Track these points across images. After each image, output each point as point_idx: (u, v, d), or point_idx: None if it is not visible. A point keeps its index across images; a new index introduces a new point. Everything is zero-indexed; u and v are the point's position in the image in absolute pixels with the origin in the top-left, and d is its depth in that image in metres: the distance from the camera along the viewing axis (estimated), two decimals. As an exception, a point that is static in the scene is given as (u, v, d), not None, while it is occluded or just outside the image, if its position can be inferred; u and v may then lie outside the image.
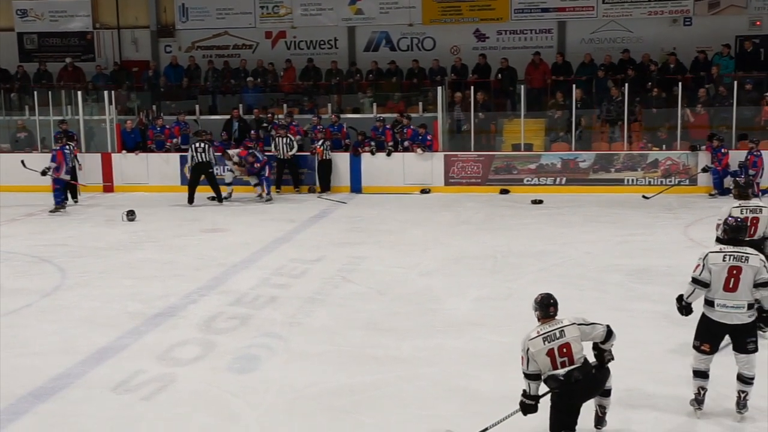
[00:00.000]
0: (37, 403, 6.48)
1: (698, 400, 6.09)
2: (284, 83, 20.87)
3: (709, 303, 5.97)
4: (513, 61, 19.70)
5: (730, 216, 6.68)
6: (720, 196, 16.24)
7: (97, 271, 10.93)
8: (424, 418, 6.12)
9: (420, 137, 17.79)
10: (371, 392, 6.64)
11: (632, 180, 17.14)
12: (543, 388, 5.40)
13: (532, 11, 20.88)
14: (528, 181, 17.54)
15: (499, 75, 19.59)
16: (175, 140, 18.72)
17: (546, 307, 5.51)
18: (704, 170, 16.66)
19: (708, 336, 6.02)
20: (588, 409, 5.60)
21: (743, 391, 5.94)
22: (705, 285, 5.95)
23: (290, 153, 17.57)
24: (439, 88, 18.21)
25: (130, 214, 14.57)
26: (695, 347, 6.09)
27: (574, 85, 17.67)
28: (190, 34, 22.40)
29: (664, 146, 17.52)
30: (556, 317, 5.47)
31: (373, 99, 19.73)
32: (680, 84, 17.33)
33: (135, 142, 18.94)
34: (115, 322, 8.58)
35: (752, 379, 5.93)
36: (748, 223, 7.81)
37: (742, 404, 5.95)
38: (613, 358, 5.53)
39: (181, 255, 11.73)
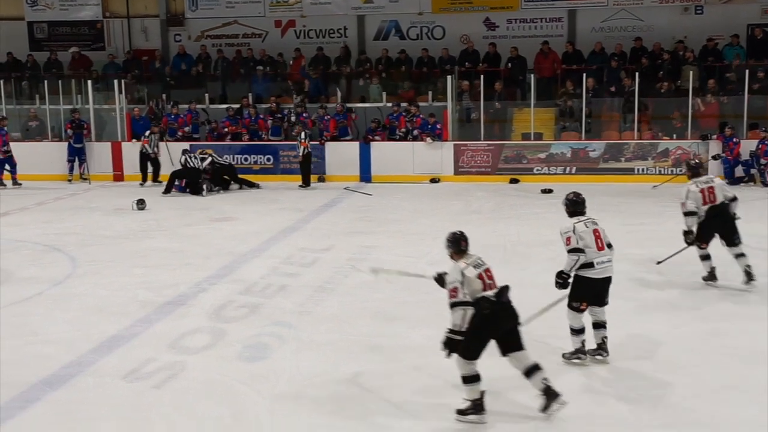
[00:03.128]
0: (49, 391, 6.53)
1: (583, 351, 6.90)
2: (293, 72, 20.86)
3: (588, 265, 6.71)
4: (523, 50, 19.64)
5: (571, 193, 7.25)
6: (731, 186, 16.18)
7: (107, 259, 10.97)
8: (433, 407, 6.14)
9: (429, 126, 17.78)
10: (380, 381, 6.66)
11: (642, 169, 17.10)
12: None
13: (543, 0, 20.79)
14: (538, 170, 17.52)
15: (509, 64, 19.53)
16: (187, 129, 18.80)
17: (458, 242, 6.14)
18: (714, 158, 16.59)
19: (590, 295, 6.79)
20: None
21: (605, 336, 6.90)
22: (582, 251, 6.66)
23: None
24: (449, 77, 18.19)
25: (140, 203, 14.62)
26: (575, 308, 6.81)
27: (584, 74, 17.62)
28: (199, 23, 22.39)
29: (674, 135, 17.47)
30: (468, 251, 6.10)
31: (382, 88, 19.71)
32: (691, 73, 17.27)
33: (144, 129, 18.98)
34: (125, 310, 8.62)
35: (606, 323, 6.94)
36: (707, 194, 9.08)
37: (606, 347, 6.90)
38: None
39: (191, 244, 11.76)
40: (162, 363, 7.07)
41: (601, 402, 6.23)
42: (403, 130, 18.04)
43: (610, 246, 6.84)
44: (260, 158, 18.40)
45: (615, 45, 19.44)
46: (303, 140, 17.08)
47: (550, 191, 15.91)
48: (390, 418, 6.00)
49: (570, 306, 6.85)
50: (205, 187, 16.46)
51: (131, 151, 18.62)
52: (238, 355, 7.28)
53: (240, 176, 17.38)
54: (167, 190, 16.53)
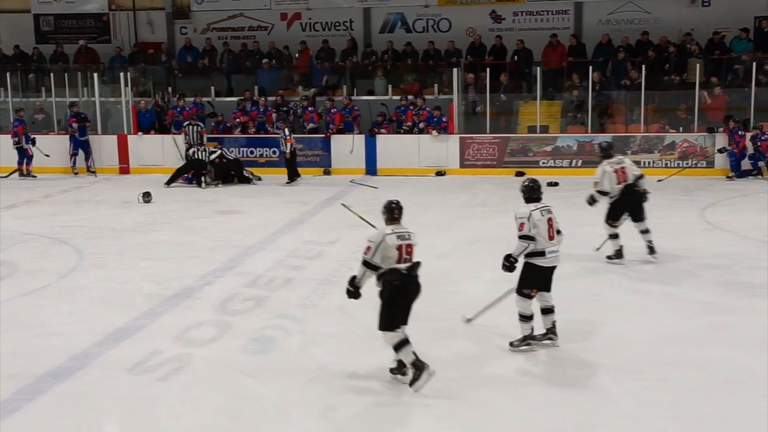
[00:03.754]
0: (56, 383, 6.54)
1: (533, 337, 7.03)
2: (299, 65, 20.85)
3: (539, 254, 6.88)
4: (529, 43, 19.59)
5: (527, 179, 7.32)
6: (738, 179, 16.15)
7: (113, 252, 10.99)
8: (438, 399, 6.13)
9: (435, 119, 17.76)
10: (385, 373, 6.65)
11: (649, 162, 17.06)
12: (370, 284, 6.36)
13: (550, -9, 20.75)
14: (544, 163, 17.50)
15: (515, 57, 19.49)
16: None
17: (392, 210, 6.51)
18: (720, 151, 16.55)
19: (540, 282, 6.95)
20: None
21: (555, 320, 7.11)
22: (533, 239, 6.82)
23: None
24: (455, 70, 18.18)
25: (146, 196, 14.64)
26: (525, 295, 6.96)
27: (590, 67, 17.57)
28: (205, 16, 22.39)
29: (681, 128, 17.42)
30: (401, 221, 6.46)
31: (387, 81, 19.69)
32: (697, 66, 17.22)
33: (150, 122, 19.02)
34: (131, 303, 8.64)
35: (554, 307, 7.13)
36: (620, 173, 9.82)
37: (555, 330, 7.10)
38: None
39: (197, 236, 11.78)
40: (168, 355, 7.08)
41: (605, 399, 6.22)
42: (410, 123, 18.02)
43: (559, 232, 7.05)
44: (266, 151, 18.41)
45: (621, 38, 19.38)
46: (288, 137, 16.73)
47: (556, 184, 15.88)
48: (396, 409, 6.00)
49: (520, 293, 7.00)
50: (203, 179, 16.48)
51: (137, 143, 18.65)
52: (243, 348, 7.29)
53: (246, 169, 17.37)
54: (170, 182, 16.58)
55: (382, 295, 6.28)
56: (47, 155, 18.07)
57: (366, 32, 21.76)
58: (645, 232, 10.02)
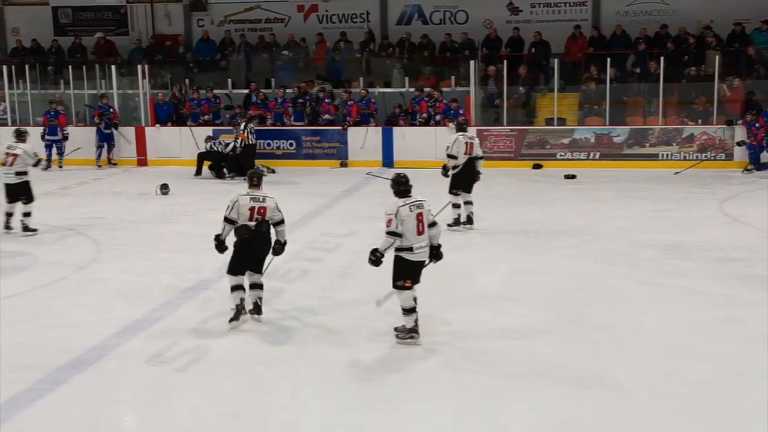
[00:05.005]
0: (74, 374, 6.60)
1: (416, 331, 7.12)
2: (316, 57, 20.86)
3: (407, 249, 7.00)
4: (546, 35, 19.52)
5: (396, 174, 7.44)
6: (756, 171, 16.05)
7: (131, 244, 11.06)
8: (452, 392, 6.15)
9: (452, 112, 17.72)
10: (401, 364, 6.68)
11: (667, 155, 16.97)
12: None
13: (568, -17, 20.64)
14: (561, 155, 17.44)
15: (533, 49, 19.42)
16: (206, 117, 18.84)
17: (251, 177, 7.80)
18: (739, 144, 16.45)
19: (410, 273, 7.05)
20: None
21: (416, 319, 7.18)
22: (400, 236, 6.93)
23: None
24: (472, 62, 18.13)
25: (164, 188, 14.72)
26: (400, 287, 7.04)
27: (608, 59, 17.49)
28: (222, 8, 22.43)
29: (699, 120, 17.32)
30: (261, 188, 7.73)
31: (404, 73, 19.67)
32: (716, 58, 17.10)
33: (168, 114, 19.09)
34: (149, 294, 8.70)
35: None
36: (468, 146, 11.37)
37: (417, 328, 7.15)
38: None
39: (214, 228, 11.76)
40: (185, 347, 7.12)
41: (619, 392, 6.22)
42: (425, 115, 18.00)
43: (433, 225, 7.13)
44: (283, 143, 18.44)
45: (639, 29, 19.27)
46: (241, 131, 16.51)
47: (573, 177, 15.86)
48: (413, 403, 6.01)
49: (395, 286, 7.09)
50: (225, 171, 16.60)
51: (155, 136, 18.74)
52: (260, 340, 7.33)
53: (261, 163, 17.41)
54: (198, 172, 16.70)
55: (235, 245, 7.66)
56: (78, 148, 18.17)
57: (383, 24, 21.74)
58: (468, 203, 11.57)
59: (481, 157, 11.64)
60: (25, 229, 11.58)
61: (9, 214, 11.63)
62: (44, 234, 11.73)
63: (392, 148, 17.91)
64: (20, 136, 11.88)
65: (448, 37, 20.22)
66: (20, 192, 11.52)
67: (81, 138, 18.61)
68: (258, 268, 7.76)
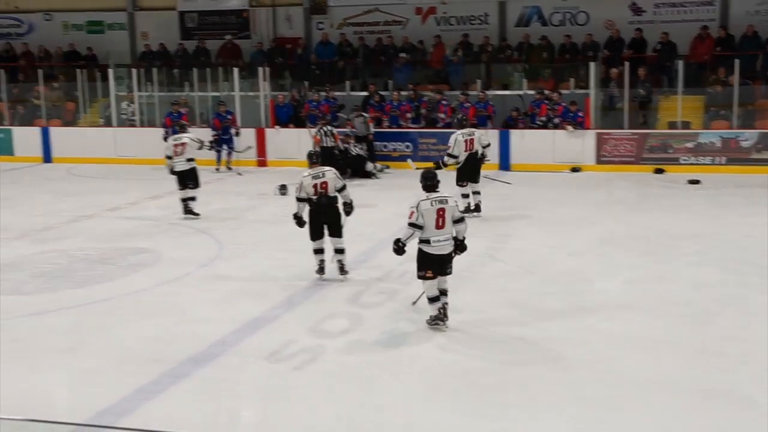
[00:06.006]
0: (196, 369, 6.78)
1: (440, 318, 7.52)
2: (433, 59, 20.86)
3: (425, 241, 7.43)
4: (671, 35, 18.96)
5: (425, 170, 7.96)
6: None
7: (251, 243, 11.31)
8: (570, 400, 6.03)
9: (571, 114, 17.43)
10: (518, 372, 6.60)
11: (798, 160, 16.24)
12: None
13: (694, -18, 19.98)
14: (685, 160, 16.90)
15: (657, 49, 18.88)
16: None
17: (309, 157, 9.34)
18: None
19: (429, 264, 7.45)
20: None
21: (447, 303, 7.59)
22: (420, 227, 7.40)
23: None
24: (592, 64, 17.78)
25: (282, 189, 14.96)
26: (422, 277, 7.50)
27: (737, 61, 16.85)
28: (341, 11, 22.68)
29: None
30: (318, 164, 9.19)
31: (523, 75, 19.47)
32: None
33: (287, 116, 19.42)
34: (267, 292, 8.86)
35: (447, 291, 7.65)
36: (468, 143, 12.24)
37: (443, 315, 7.54)
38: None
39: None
40: (302, 346, 7.22)
41: (749, 408, 5.96)
42: (544, 117, 17.76)
43: (460, 221, 7.56)
44: (399, 145, 18.51)
45: (771, 29, 18.51)
46: (315, 134, 16.76)
47: (697, 182, 15.35)
48: (528, 412, 5.93)
49: (419, 276, 7.54)
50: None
51: (275, 137, 19.07)
52: (375, 341, 7.37)
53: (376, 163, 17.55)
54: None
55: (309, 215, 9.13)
56: (249, 147, 18.45)
57: (501, 26, 21.55)
58: (476, 193, 12.52)
59: (486, 147, 12.56)
60: (189, 212, 12.95)
61: (184, 200, 13.03)
62: (168, 231, 12.12)
63: (509, 150, 17.73)
64: (182, 128, 13.75)
65: (567, 39, 19.89)
66: (189, 177, 12.96)
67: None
68: (336, 233, 9.15)
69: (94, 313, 8.37)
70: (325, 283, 9.16)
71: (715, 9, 19.96)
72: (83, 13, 24.58)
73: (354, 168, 17.22)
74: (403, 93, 19.20)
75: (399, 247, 7.61)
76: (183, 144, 12.96)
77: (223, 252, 10.85)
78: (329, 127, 16.99)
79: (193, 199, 13.08)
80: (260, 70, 19.66)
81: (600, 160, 17.30)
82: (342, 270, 9.26)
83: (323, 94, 19.42)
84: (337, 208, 9.15)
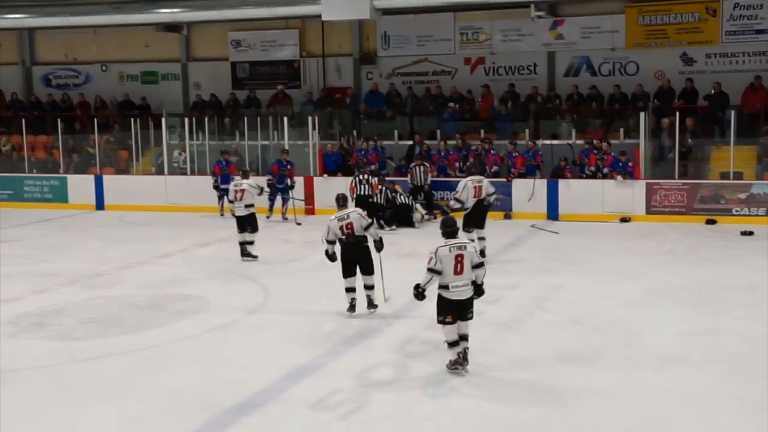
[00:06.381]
0: (240, 416, 6.78)
1: (459, 363, 7.60)
2: (482, 108, 20.91)
3: (444, 287, 7.58)
4: (724, 86, 18.79)
5: (445, 217, 8.49)
6: None
7: (297, 290, 11.35)
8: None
9: (620, 164, 17.30)
10: (565, 423, 6.49)
11: None
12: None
13: (746, 33, 19.77)
14: (737, 211, 16.63)
15: (710, 95, 18.70)
16: (373, 167, 19.07)
17: (337, 200, 10.20)
18: None
19: (449, 309, 7.56)
20: None
21: (467, 347, 7.66)
22: (439, 273, 7.54)
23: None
24: (642, 114, 17.65)
25: (330, 236, 15.00)
26: (441, 322, 7.61)
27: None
28: (390, 61, 22.88)
29: None
30: (346, 207, 10.11)
31: (572, 125, 19.41)
32: None
33: (336, 164, 19.56)
34: (313, 340, 8.88)
35: (468, 336, 7.72)
36: (477, 190, 12.61)
37: (462, 359, 7.62)
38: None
39: (378, 278, 11.92)
40: (347, 394, 7.19)
41: None
42: (593, 167, 17.65)
43: (479, 266, 7.69)
44: (447, 194, 18.48)
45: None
46: (375, 182, 17.12)
47: (750, 233, 15.07)
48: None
49: (438, 321, 7.66)
50: (381, 222, 16.74)
51: (323, 185, 19.18)
52: (421, 391, 7.31)
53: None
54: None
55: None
56: (302, 200, 18.78)
57: (550, 75, 21.55)
58: (482, 239, 12.79)
59: (492, 194, 13.00)
60: (247, 255, 13.42)
61: (242, 244, 13.46)
62: (216, 278, 12.21)
63: (557, 200, 17.62)
64: (245, 175, 14.11)
65: (617, 89, 19.82)
66: (247, 222, 13.45)
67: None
68: (367, 270, 9.76)
69: (142, 359, 8.44)
70: (372, 332, 9.15)
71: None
72: (139, 64, 25.19)
73: (401, 217, 17.24)
74: (450, 142, 19.25)
75: (419, 293, 7.80)
76: (242, 191, 13.43)
77: (270, 299, 10.89)
78: (366, 176, 17.12)
79: (251, 243, 13.49)
80: (309, 118, 19.87)
81: (650, 210, 17.10)
82: (370, 304, 9.74)
83: (372, 143, 19.54)
84: (366, 247, 9.74)
